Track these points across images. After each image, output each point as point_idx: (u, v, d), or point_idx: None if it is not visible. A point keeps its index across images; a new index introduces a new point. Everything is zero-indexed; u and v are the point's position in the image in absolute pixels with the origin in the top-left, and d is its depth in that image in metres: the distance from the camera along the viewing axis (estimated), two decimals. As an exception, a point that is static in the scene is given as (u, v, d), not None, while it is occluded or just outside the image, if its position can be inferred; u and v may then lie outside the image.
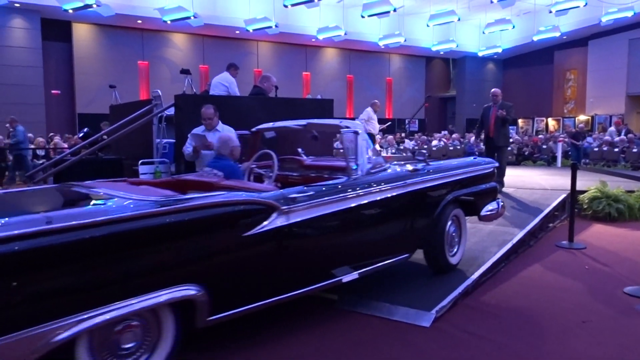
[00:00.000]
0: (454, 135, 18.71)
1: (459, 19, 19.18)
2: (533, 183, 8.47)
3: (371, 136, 11.23)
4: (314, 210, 3.21)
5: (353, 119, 19.50)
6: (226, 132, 5.12)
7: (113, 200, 2.80)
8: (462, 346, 3.19)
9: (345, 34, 19.81)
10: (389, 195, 3.78)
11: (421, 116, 25.78)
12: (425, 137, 19.64)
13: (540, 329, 3.46)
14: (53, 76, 18.53)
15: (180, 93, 6.27)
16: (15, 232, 2.16)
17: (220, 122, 5.15)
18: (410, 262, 4.64)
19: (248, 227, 2.89)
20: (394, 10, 17.24)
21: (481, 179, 4.86)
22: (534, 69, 26.26)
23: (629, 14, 18.52)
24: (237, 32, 19.95)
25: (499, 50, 24.69)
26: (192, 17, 17.01)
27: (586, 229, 6.60)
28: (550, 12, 18.70)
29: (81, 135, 10.12)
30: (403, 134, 19.59)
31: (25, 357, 2.12)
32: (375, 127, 10.36)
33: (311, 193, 3.25)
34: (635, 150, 12.93)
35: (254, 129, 4.73)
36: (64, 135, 15.84)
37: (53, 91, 18.41)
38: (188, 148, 5.11)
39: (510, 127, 7.85)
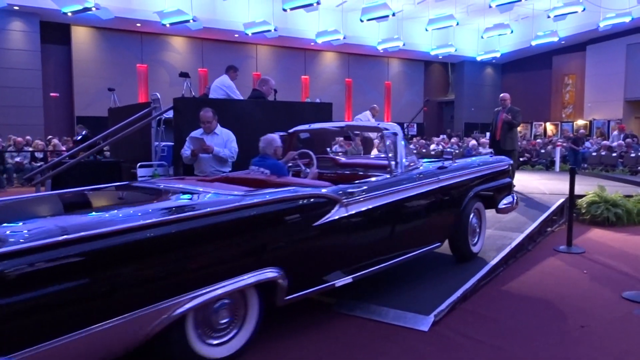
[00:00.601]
0: (452, 140, 18.74)
1: (457, 24, 19.28)
2: (531, 187, 8.47)
3: (369, 140, 11.36)
4: (368, 203, 3.66)
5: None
6: (225, 135, 5.13)
7: (207, 194, 3.22)
8: (461, 350, 3.18)
9: (344, 37, 19.86)
10: (426, 190, 4.24)
11: (420, 120, 25.85)
12: (423, 141, 19.67)
13: (539, 333, 3.45)
14: (52, 79, 18.54)
15: (179, 96, 6.26)
16: (149, 220, 2.59)
17: (219, 125, 5.15)
18: (407, 267, 4.63)
19: (317, 218, 3.30)
20: (393, 14, 17.30)
21: (499, 175, 5.35)
22: (533, 74, 26.34)
23: (627, 19, 18.59)
24: (236, 35, 19.99)
25: (498, 54, 24.78)
26: (191, 21, 17.05)
27: (584, 233, 6.60)
28: (549, 17, 18.78)
29: (79, 138, 10.10)
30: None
31: (158, 324, 2.54)
32: None
33: (365, 188, 3.71)
34: (633, 155, 12.97)
35: (290, 130, 5.11)
36: (62, 138, 15.84)
37: (52, 94, 18.42)
38: (186, 151, 5.11)
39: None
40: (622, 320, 3.70)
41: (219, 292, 2.77)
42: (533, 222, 6.08)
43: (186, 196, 3.33)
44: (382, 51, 22.71)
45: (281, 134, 4.85)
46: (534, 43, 21.85)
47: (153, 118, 6.16)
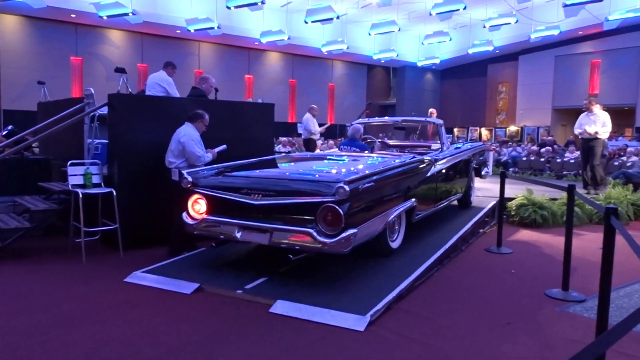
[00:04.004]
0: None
1: (399, 29, 19.73)
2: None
3: (312, 141, 11.47)
4: (442, 165, 6.15)
5: (295, 123, 19.55)
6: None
7: (383, 157, 5.77)
8: (395, 350, 3.25)
9: (288, 38, 19.83)
10: (459, 159, 6.84)
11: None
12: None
13: (470, 330, 3.60)
14: (-24, 69, 17.34)
15: (115, 92, 6.04)
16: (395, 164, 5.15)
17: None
18: (345, 267, 4.70)
19: (428, 171, 5.71)
20: (337, 17, 17.47)
21: (482, 152, 8.31)
22: (469, 81, 27.43)
23: (555, 32, 19.76)
24: (178, 31, 19.49)
25: (437, 61, 25.60)
26: (130, 14, 16.44)
27: (514, 234, 6.95)
28: (485, 27, 19.63)
29: (4, 133, 9.50)
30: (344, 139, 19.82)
31: (387, 221, 4.65)
32: (317, 129, 11.24)
33: (439, 157, 6.15)
34: (559, 160, 13.77)
35: (354, 122, 7.36)
36: (-13, 132, 14.82)
37: (-25, 85, 17.21)
38: (208, 157, 5.39)
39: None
40: (545, 317, 3.92)
41: (400, 210, 4.89)
42: (466, 223, 6.34)
43: (378, 158, 5.69)
44: (326, 53, 22.87)
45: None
46: (470, 51, 22.76)
47: (86, 114, 5.90)
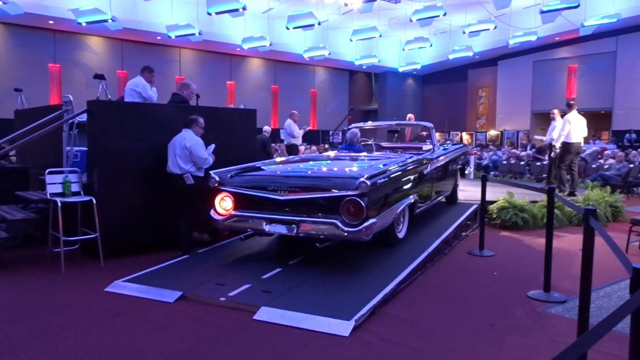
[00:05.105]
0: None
1: (380, 35, 19.88)
2: (448, 194, 8.95)
3: (294, 146, 11.49)
4: (436, 163, 6.64)
5: (278, 129, 19.51)
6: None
7: (387, 157, 6.18)
8: (380, 354, 3.25)
9: (270, 44, 19.84)
10: (449, 159, 7.34)
11: (345, 128, 26.29)
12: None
13: (454, 333, 3.61)
14: (-50, 76, 16.99)
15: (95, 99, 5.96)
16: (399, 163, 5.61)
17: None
18: (329, 272, 4.69)
19: (425, 169, 6.17)
20: (319, 23, 17.54)
21: (466, 153, 8.96)
22: (450, 86, 27.76)
23: (533, 37, 20.13)
24: (159, 37, 19.38)
25: (418, 66, 25.86)
26: (110, 20, 16.28)
27: (495, 237, 7.01)
28: (464, 33, 19.91)
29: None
30: (327, 145, 19.86)
31: (395, 214, 5.16)
32: (299, 133, 11.56)
33: (432, 156, 6.63)
34: (538, 164, 13.97)
35: (351, 127, 7.72)
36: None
37: (-50, 93, 16.83)
38: (211, 160, 5.58)
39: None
40: (528, 318, 3.96)
41: (406, 203, 5.40)
42: (449, 227, 6.38)
43: (380, 158, 6.03)
44: (308, 59, 22.93)
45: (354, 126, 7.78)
46: (451, 57, 23.04)
47: (65, 121, 5.81)
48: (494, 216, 7.73)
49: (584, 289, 3.03)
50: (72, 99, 5.97)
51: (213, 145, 5.72)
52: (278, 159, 7.40)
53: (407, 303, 4.22)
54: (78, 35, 18.92)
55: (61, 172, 5.47)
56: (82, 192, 5.49)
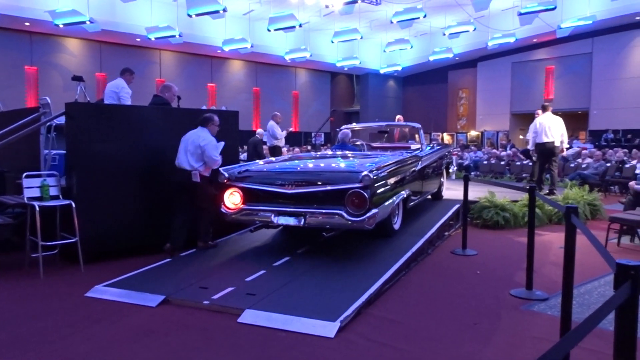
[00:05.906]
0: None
1: (361, 37, 19.97)
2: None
3: (277, 148, 11.46)
4: (425, 161, 6.92)
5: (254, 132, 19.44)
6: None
7: (381, 155, 6.59)
8: (366, 355, 3.24)
9: (251, 46, 19.77)
10: (436, 157, 7.62)
11: (327, 129, 26.35)
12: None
13: (438, 333, 3.62)
14: None
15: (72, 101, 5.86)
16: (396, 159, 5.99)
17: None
18: (312, 273, 4.67)
19: (416, 166, 6.45)
20: (300, 25, 17.55)
21: (449, 153, 9.29)
22: (431, 87, 28.00)
23: (512, 39, 20.42)
24: (138, 39, 19.16)
25: (399, 68, 26.03)
26: (88, 22, 16.04)
27: (478, 236, 7.07)
28: (444, 34, 20.12)
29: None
30: (309, 147, 19.86)
31: (394, 205, 5.51)
32: (282, 134, 11.67)
33: (422, 155, 6.91)
34: (518, 163, 14.17)
35: (343, 128, 8.22)
36: None
37: None
38: (220, 161, 5.63)
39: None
40: (511, 316, 3.99)
41: (401, 196, 5.74)
42: (432, 227, 6.41)
43: (376, 155, 6.61)
44: (289, 61, 22.92)
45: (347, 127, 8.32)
46: (431, 58, 23.24)
47: (42, 124, 5.70)
48: (476, 215, 7.81)
49: (566, 286, 3.06)
50: (49, 101, 5.86)
51: (222, 143, 5.72)
52: (273, 159, 7.61)
53: (392, 303, 4.22)
54: (55, 37, 18.60)
55: (39, 176, 5.35)
56: (60, 196, 5.39)
